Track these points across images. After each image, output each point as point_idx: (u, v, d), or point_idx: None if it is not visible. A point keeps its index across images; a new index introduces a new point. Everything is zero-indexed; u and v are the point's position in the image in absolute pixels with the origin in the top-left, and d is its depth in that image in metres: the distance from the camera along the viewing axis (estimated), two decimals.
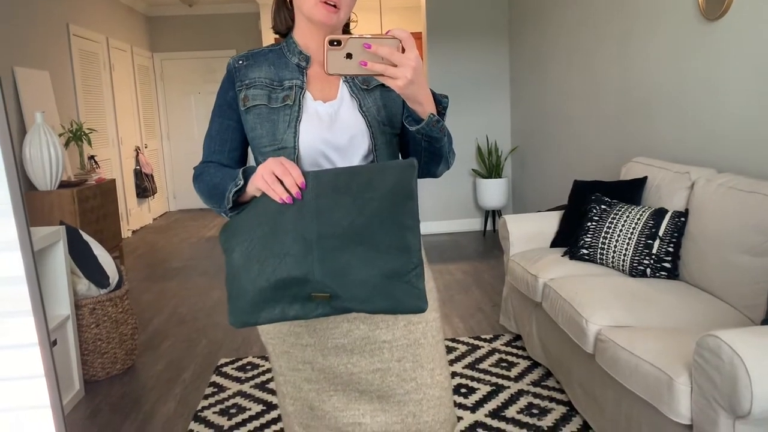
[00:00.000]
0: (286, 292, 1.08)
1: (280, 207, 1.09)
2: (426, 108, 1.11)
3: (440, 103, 1.16)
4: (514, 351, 3.13)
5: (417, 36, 6.98)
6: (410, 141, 1.23)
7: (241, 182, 1.15)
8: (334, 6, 1.18)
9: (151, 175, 7.56)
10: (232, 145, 1.30)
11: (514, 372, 2.89)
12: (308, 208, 1.08)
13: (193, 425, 2.54)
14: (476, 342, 3.27)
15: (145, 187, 7.34)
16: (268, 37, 7.70)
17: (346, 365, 1.29)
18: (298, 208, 1.08)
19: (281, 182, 1.09)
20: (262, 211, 1.11)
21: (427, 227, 6.01)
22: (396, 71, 1.02)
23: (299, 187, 1.08)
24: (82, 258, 3.02)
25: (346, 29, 1.34)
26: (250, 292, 1.09)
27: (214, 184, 1.22)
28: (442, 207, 6.06)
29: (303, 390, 1.33)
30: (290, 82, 1.25)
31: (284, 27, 1.32)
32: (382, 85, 1.25)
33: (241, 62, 1.29)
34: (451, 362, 3.02)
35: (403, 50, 1.02)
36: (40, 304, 0.74)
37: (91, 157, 5.66)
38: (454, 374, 2.89)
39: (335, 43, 1.02)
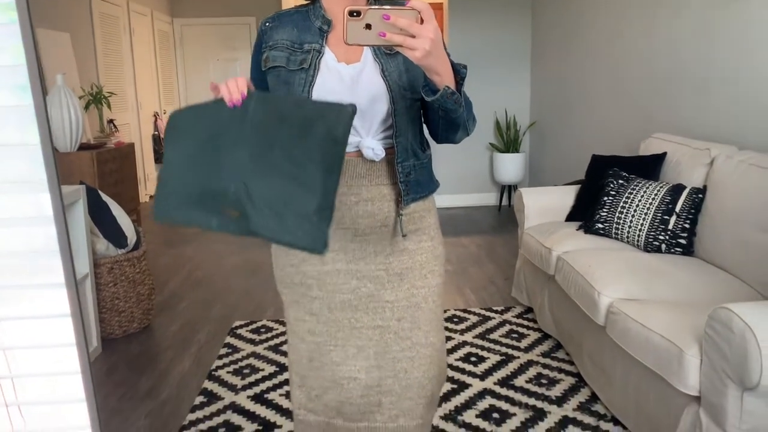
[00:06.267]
0: (207, 201, 1.16)
1: (227, 119, 1.17)
2: (444, 79, 1.12)
3: (458, 73, 1.17)
4: (525, 323, 3.16)
5: (438, 7, 6.88)
6: (429, 109, 1.25)
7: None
8: None
9: None
10: None
11: (524, 343, 2.91)
12: (249, 125, 1.15)
13: (207, 383, 2.60)
14: (488, 313, 3.29)
15: (163, 152, 7.38)
16: (287, 5, 7.63)
17: (350, 320, 1.35)
18: (241, 122, 1.15)
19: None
20: (212, 119, 1.19)
21: (442, 200, 6.01)
22: (414, 42, 1.02)
23: (240, 95, 1.16)
24: (100, 218, 3.07)
25: None
26: (179, 193, 1.18)
27: None
28: (458, 180, 6.05)
29: (305, 341, 1.39)
30: (309, 45, 1.28)
31: None
32: None
33: (268, 24, 1.34)
34: (462, 332, 3.05)
35: (422, 21, 1.02)
36: (68, 247, 0.76)
37: (111, 121, 5.69)
38: (464, 343, 2.92)
39: (355, 14, 1.02)
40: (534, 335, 3.00)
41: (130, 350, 2.98)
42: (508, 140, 5.77)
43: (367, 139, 1.30)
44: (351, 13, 1.02)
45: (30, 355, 0.91)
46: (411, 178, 1.33)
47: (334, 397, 1.38)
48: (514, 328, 3.10)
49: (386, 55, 1.28)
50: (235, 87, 1.16)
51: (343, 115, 1.10)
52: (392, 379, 1.38)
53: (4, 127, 0.83)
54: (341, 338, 1.36)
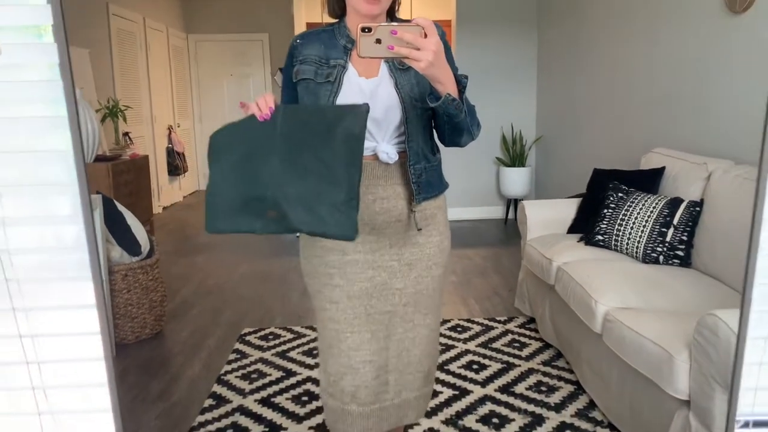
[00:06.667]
0: (250, 207, 1.32)
1: (259, 133, 1.32)
2: (447, 87, 1.27)
3: (460, 82, 1.32)
4: (527, 333, 3.22)
5: (446, 24, 7.01)
6: (436, 114, 1.42)
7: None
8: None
9: (183, 154, 7.75)
10: None
11: (525, 352, 2.98)
12: (279, 135, 1.30)
13: (216, 387, 2.68)
14: (491, 323, 3.36)
15: (176, 165, 7.53)
16: (300, 21, 7.78)
17: (365, 306, 1.51)
18: (272, 134, 1.31)
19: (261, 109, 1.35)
20: (245, 136, 1.34)
21: (449, 213, 6.06)
22: (419, 54, 1.17)
23: (269, 111, 1.32)
24: (116, 227, 3.18)
25: (392, 12, 1.51)
26: (225, 205, 1.34)
27: None
28: (465, 194, 6.12)
29: (326, 328, 1.54)
30: (335, 61, 1.45)
31: (336, 14, 1.51)
32: None
33: (299, 41, 1.51)
34: (465, 341, 3.12)
35: (425, 36, 1.17)
36: (94, 242, 0.85)
37: (126, 134, 5.84)
38: (467, 351, 2.99)
39: (366, 30, 1.16)
40: (535, 344, 3.07)
41: (142, 355, 3.07)
42: (514, 154, 5.85)
43: (383, 144, 1.46)
44: (363, 29, 1.16)
45: (56, 342, 1.00)
46: (422, 179, 1.50)
47: (350, 382, 1.51)
48: (516, 337, 3.16)
49: (399, 70, 1.44)
50: (264, 103, 1.32)
51: (359, 114, 1.27)
52: (396, 358, 1.55)
53: (38, 135, 0.93)
54: (357, 324, 1.50)
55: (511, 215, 6.09)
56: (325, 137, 1.27)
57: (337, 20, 1.52)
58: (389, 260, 1.52)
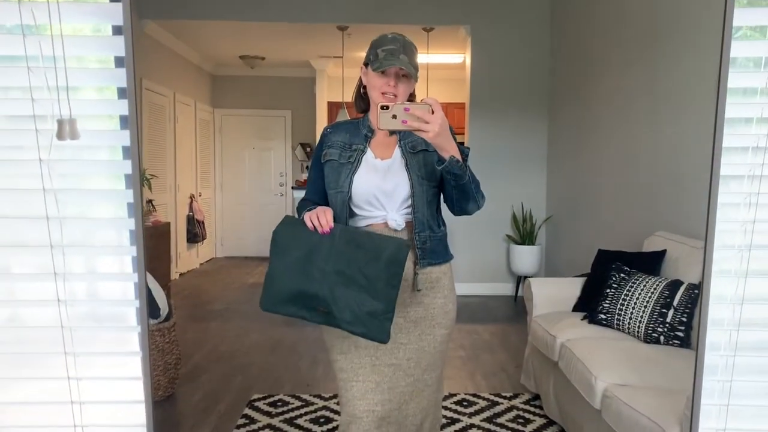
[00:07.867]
0: (302, 300, 1.53)
1: (318, 241, 1.56)
2: (451, 153, 1.54)
3: (463, 152, 1.59)
4: (532, 409, 3.26)
5: (461, 107, 7.33)
6: (444, 183, 1.66)
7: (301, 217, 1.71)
8: (394, 96, 1.67)
9: (203, 222, 7.99)
10: (321, 188, 1.80)
11: (529, 428, 3.02)
12: (335, 248, 1.55)
13: None
14: (497, 399, 3.41)
15: (195, 232, 7.75)
16: (322, 100, 8.19)
17: (371, 357, 1.68)
18: (329, 246, 1.55)
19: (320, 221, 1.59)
20: (305, 239, 1.59)
21: (459, 288, 6.14)
22: (427, 126, 1.46)
23: (329, 227, 1.57)
24: None
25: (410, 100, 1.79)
26: (281, 293, 1.57)
27: (299, 213, 1.77)
28: (475, 270, 6.24)
29: (337, 379, 1.72)
30: (356, 146, 1.75)
31: (361, 110, 1.84)
32: (424, 150, 1.71)
33: (329, 130, 1.81)
34: (470, 415, 3.17)
35: (432, 112, 1.46)
36: (145, 297, 1.00)
37: (150, 201, 6.09)
38: (471, 426, 3.04)
39: (384, 108, 1.46)
40: (539, 421, 3.11)
41: (154, 416, 3.14)
42: (524, 232, 6.00)
43: (392, 213, 1.71)
44: (382, 107, 1.47)
45: (100, 385, 1.13)
46: (427, 246, 1.73)
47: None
48: (521, 414, 3.21)
49: (410, 153, 1.71)
50: (325, 221, 1.57)
51: (402, 246, 1.54)
52: (396, 411, 1.69)
53: (102, 204, 1.10)
54: (362, 374, 1.67)
55: (520, 292, 6.17)
56: (372, 258, 1.52)
57: (362, 115, 1.82)
58: (396, 316, 1.68)
